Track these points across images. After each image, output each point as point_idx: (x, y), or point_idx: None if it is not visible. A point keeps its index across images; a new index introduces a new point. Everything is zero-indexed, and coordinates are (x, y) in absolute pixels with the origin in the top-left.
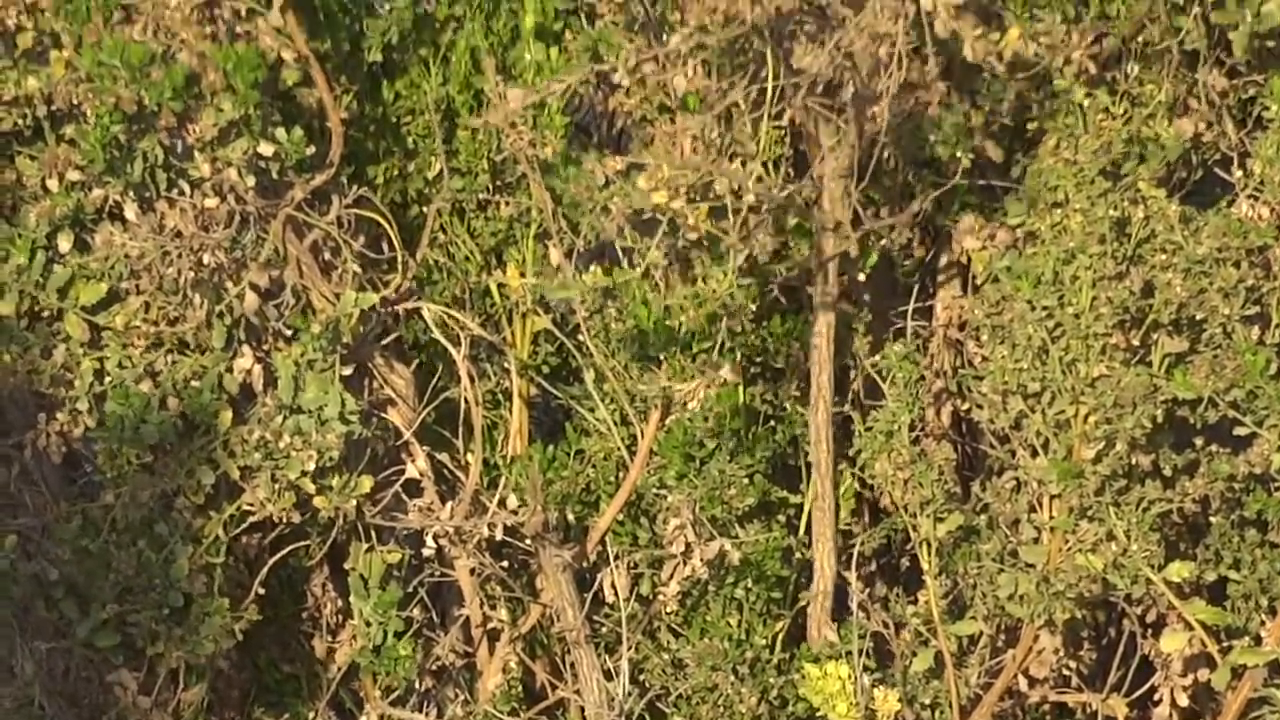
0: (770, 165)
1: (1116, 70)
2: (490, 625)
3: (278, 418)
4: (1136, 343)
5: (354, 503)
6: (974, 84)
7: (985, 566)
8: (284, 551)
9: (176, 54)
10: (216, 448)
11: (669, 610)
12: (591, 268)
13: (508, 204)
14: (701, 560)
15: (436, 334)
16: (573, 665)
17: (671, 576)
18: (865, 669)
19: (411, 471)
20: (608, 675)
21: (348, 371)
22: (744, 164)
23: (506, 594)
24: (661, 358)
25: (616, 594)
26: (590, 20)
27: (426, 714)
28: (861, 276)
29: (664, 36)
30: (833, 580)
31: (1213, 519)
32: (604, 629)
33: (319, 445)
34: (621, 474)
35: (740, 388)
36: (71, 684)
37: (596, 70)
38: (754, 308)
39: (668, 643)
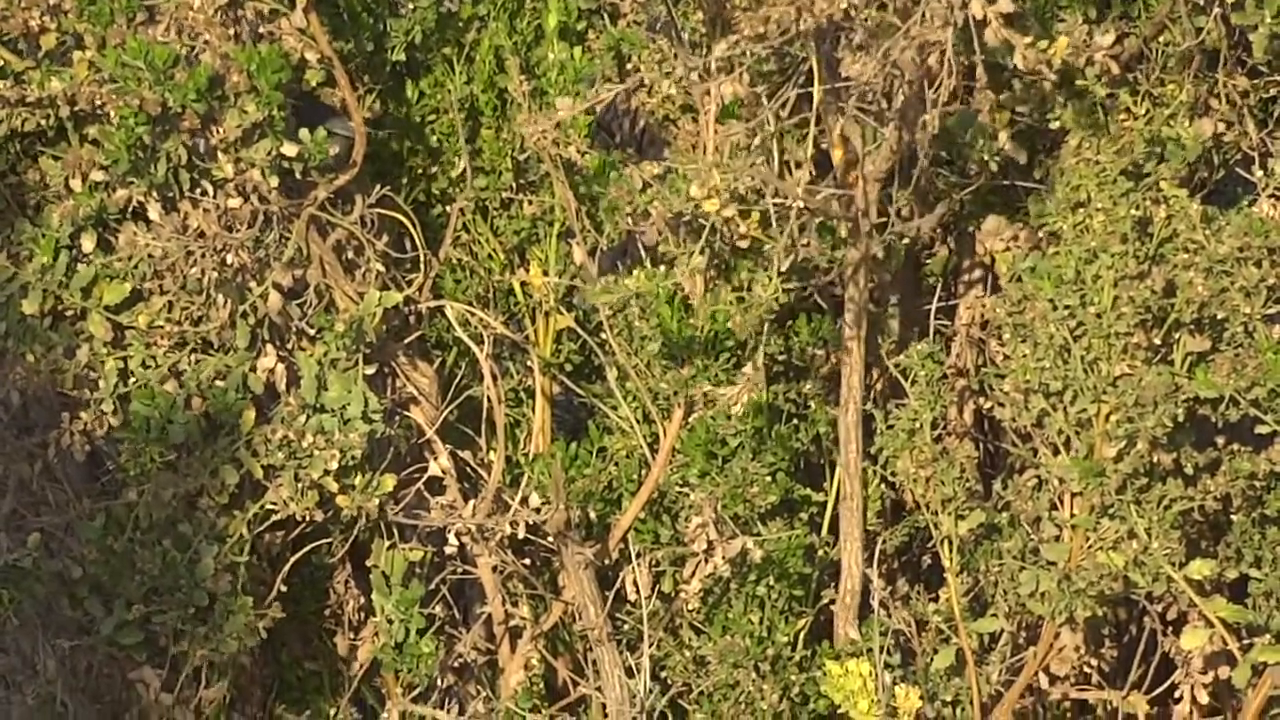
0: (793, 166)
1: (1138, 70)
2: (512, 623)
3: (301, 417)
4: (1158, 342)
5: (376, 501)
6: (998, 85)
7: (1007, 564)
8: (306, 549)
9: (200, 55)
10: (240, 447)
11: (691, 608)
12: (634, 272)
13: (531, 203)
14: (723, 558)
15: (459, 332)
16: (595, 662)
17: (693, 574)
18: (887, 666)
19: (434, 469)
20: (629, 672)
21: (371, 370)
22: (792, 170)
23: (528, 591)
24: (684, 358)
25: (638, 591)
26: (613, 20)
27: (448, 711)
28: (888, 276)
29: (684, 35)
30: (860, 580)
31: (1234, 517)
32: (626, 626)
33: (342, 444)
34: (644, 472)
35: (763, 386)
36: (94, 681)
37: (642, 79)
38: (778, 306)
39: (689, 640)
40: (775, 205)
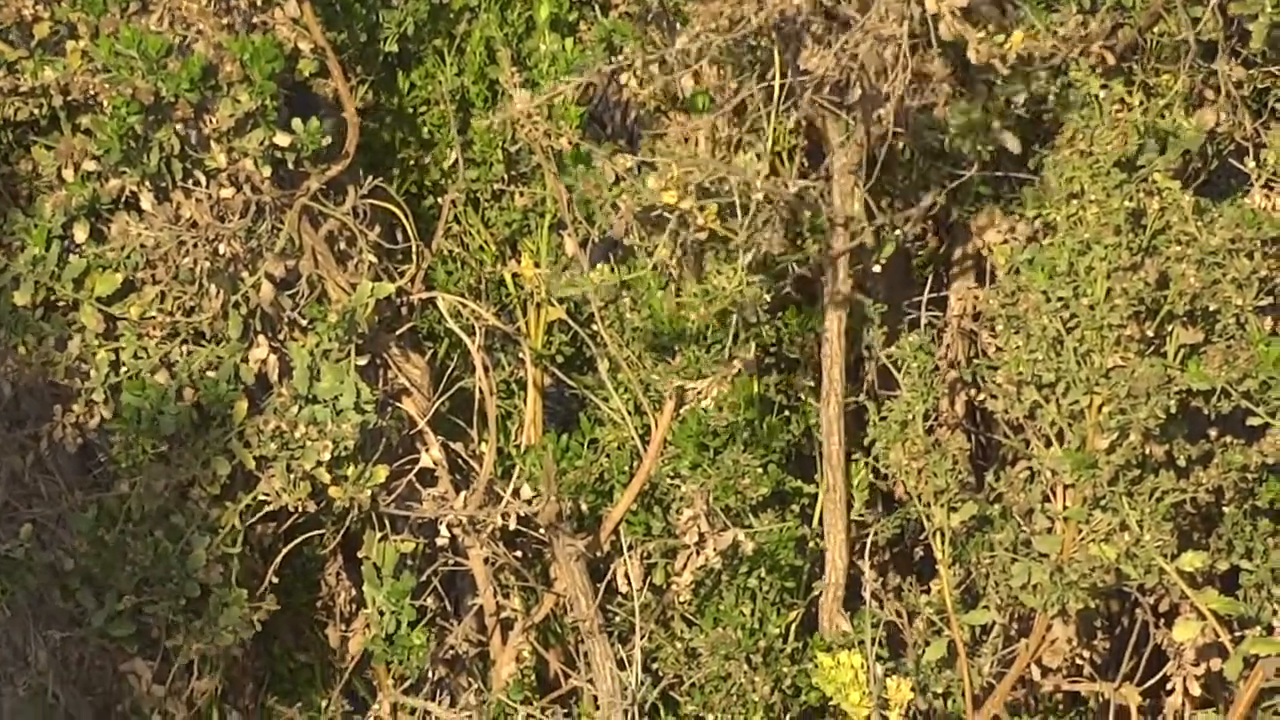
0: (785, 156)
1: (1133, 61)
2: (504, 614)
3: (293, 408)
4: (1151, 333)
5: (368, 492)
6: (991, 75)
7: (999, 556)
8: (298, 541)
9: (193, 45)
10: (232, 438)
11: (682, 600)
12: (599, 265)
13: (522, 194)
14: (715, 550)
15: (451, 324)
16: (586, 654)
17: (685, 566)
18: (878, 658)
19: (426, 461)
20: (621, 664)
21: (363, 361)
22: (756, 159)
23: (520, 583)
24: (676, 349)
25: (630, 583)
26: (604, 11)
27: (440, 703)
28: (876, 268)
29: (677, 27)
30: (844, 571)
31: (1226, 509)
32: (617, 618)
33: (334, 435)
34: (635, 464)
35: (754, 378)
36: (86, 673)
37: (606, 70)
38: (768, 299)
39: (681, 632)
40: (741, 198)
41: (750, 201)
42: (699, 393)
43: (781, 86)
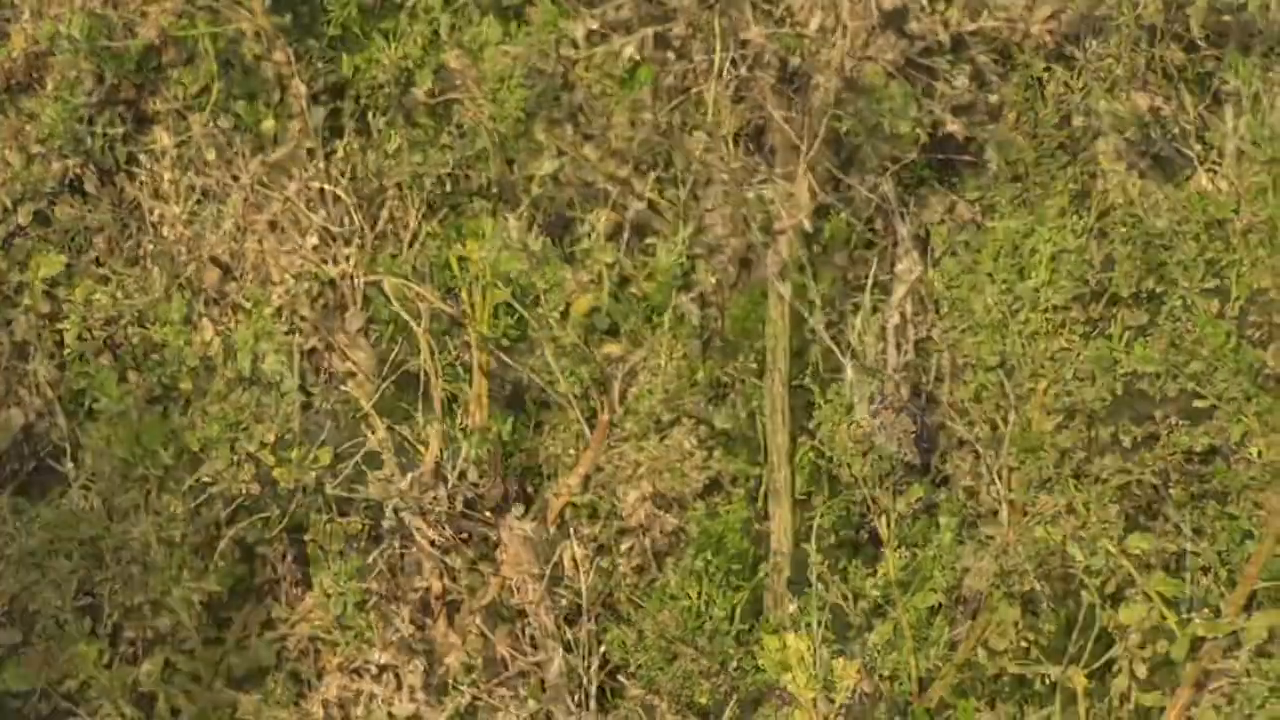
0: (730, 139)
1: (1075, 45)
2: (450, 597)
3: (237, 390)
4: (1096, 316)
5: (313, 475)
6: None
7: (945, 539)
8: (245, 524)
9: (138, 28)
10: (176, 420)
11: (628, 582)
12: (541, 240)
13: (468, 178)
14: (661, 533)
15: (397, 307)
16: (533, 637)
17: (631, 549)
18: (825, 641)
19: (372, 443)
20: (568, 647)
21: (308, 344)
22: (692, 134)
23: (467, 566)
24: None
25: (576, 566)
26: None
27: (385, 686)
28: (819, 249)
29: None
30: (789, 552)
31: (1172, 491)
32: (564, 601)
33: (277, 417)
34: (581, 447)
35: (701, 362)
36: (36, 653)
37: (554, 38)
38: (713, 281)
39: (627, 614)
40: (683, 171)
41: (691, 174)
42: (639, 363)
43: (729, 61)
